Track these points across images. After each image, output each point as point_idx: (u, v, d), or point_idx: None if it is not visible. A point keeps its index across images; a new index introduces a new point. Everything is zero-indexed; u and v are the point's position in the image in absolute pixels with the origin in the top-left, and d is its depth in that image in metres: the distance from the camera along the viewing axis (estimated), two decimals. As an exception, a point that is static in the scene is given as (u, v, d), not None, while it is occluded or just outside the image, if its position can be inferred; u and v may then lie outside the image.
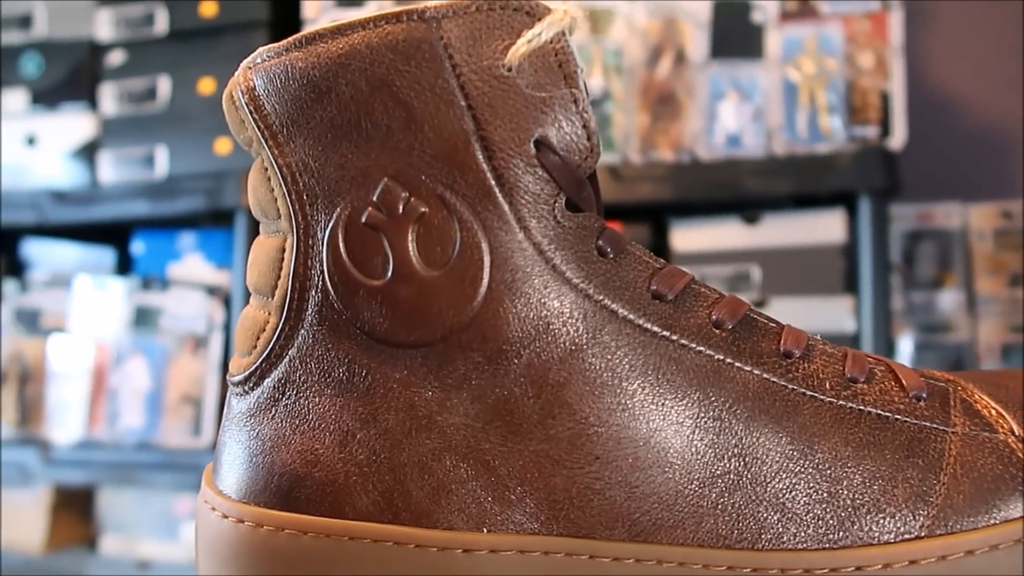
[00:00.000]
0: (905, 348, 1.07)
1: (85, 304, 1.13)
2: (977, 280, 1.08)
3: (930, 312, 1.09)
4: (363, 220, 0.23)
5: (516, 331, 0.23)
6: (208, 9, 1.08)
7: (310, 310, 0.24)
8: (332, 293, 0.23)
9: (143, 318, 1.10)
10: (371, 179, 0.23)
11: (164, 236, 1.16)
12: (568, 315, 0.23)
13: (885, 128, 0.97)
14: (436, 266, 0.23)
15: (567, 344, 0.23)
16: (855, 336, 0.96)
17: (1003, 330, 1.07)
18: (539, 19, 0.22)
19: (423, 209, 0.23)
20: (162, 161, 1.08)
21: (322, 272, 0.24)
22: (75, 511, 1.15)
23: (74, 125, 1.11)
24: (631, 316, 0.23)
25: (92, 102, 1.11)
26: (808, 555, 0.22)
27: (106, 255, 1.25)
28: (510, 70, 0.22)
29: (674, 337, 0.23)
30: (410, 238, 0.23)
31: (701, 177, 0.99)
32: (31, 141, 1.13)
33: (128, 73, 1.10)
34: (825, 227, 0.99)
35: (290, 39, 0.23)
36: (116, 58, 1.11)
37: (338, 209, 0.23)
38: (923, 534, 0.22)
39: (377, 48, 0.22)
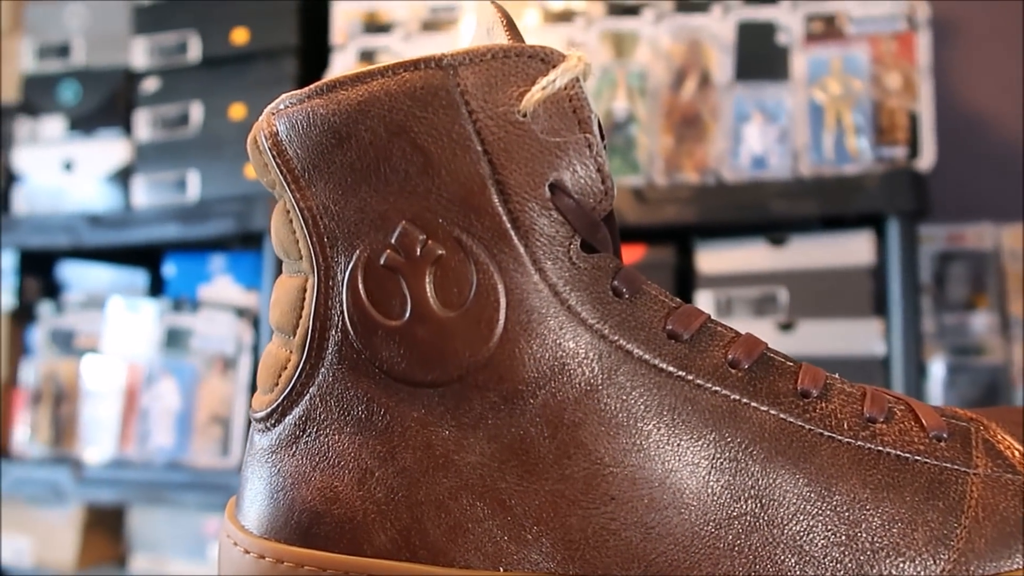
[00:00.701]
0: (937, 371, 1.05)
1: (118, 325, 1.15)
2: (1010, 302, 1.06)
3: (963, 335, 1.07)
4: (382, 262, 0.24)
5: (532, 371, 0.23)
6: (239, 36, 1.11)
7: (330, 349, 0.24)
8: (352, 333, 0.24)
9: (174, 339, 1.12)
10: (390, 222, 0.23)
11: (195, 258, 1.18)
12: (583, 356, 0.23)
13: (913, 149, 0.97)
14: (453, 307, 0.23)
15: (582, 384, 0.23)
16: (885, 359, 0.95)
17: (1038, 353, 1.04)
18: (553, 66, 0.23)
19: (440, 251, 0.23)
20: (194, 185, 1.10)
21: (342, 312, 0.24)
22: (106, 529, 1.16)
23: (109, 150, 1.14)
24: (647, 356, 0.23)
25: (127, 128, 1.14)
26: (825, 599, 0.22)
27: (139, 277, 1.27)
28: (525, 116, 0.23)
29: (690, 377, 0.23)
30: (428, 279, 0.23)
31: (727, 199, 0.99)
32: (68, 166, 1.15)
33: (162, 100, 1.13)
34: (853, 249, 0.98)
35: (312, 86, 0.24)
36: (150, 85, 1.14)
37: (357, 251, 0.24)
38: (943, 579, 0.22)
39: (396, 95, 0.23)
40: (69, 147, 1.16)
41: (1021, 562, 0.22)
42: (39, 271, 1.23)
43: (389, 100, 0.23)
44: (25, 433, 1.15)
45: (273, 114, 0.25)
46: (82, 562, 1.14)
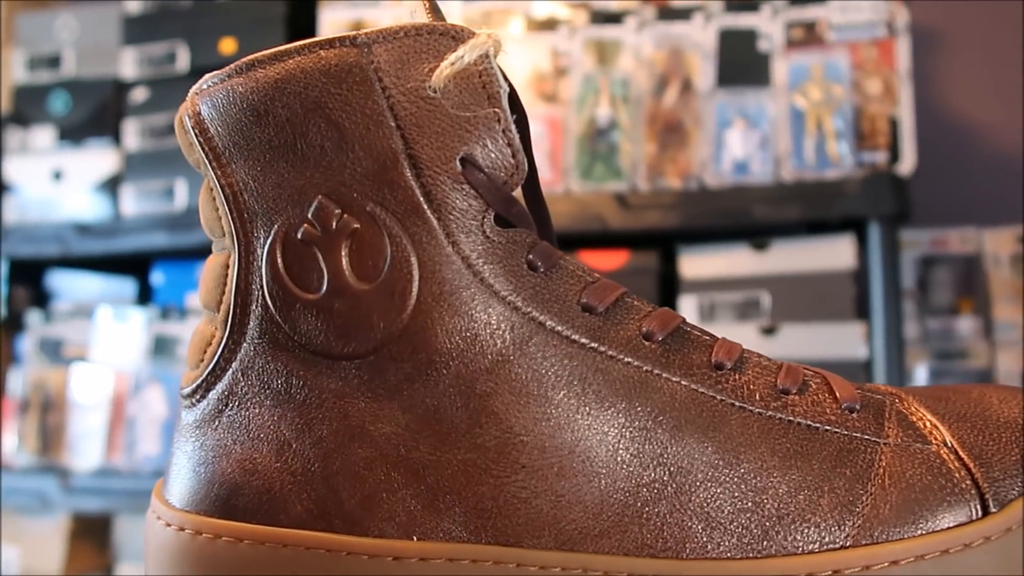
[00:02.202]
0: (921, 376, 1.05)
1: (106, 334, 1.15)
2: (995, 306, 1.06)
3: (947, 339, 1.07)
4: (299, 236, 0.24)
5: (445, 342, 0.23)
6: (227, 46, 1.12)
7: (252, 324, 0.25)
8: (271, 307, 0.24)
9: (161, 347, 1.13)
10: (306, 197, 0.24)
11: (183, 267, 1.18)
12: (496, 327, 0.23)
13: (894, 154, 0.97)
14: (368, 280, 0.24)
15: (494, 355, 0.23)
16: (867, 363, 0.95)
17: (1022, 357, 1.04)
18: (463, 42, 0.23)
19: (355, 225, 0.24)
20: (182, 194, 1.10)
21: (262, 287, 0.24)
22: (93, 538, 1.16)
23: (98, 160, 1.15)
24: (559, 328, 0.24)
25: (116, 138, 1.15)
26: (732, 564, 0.22)
27: (127, 286, 1.28)
28: (436, 92, 0.23)
29: (602, 349, 0.24)
30: (343, 253, 0.24)
31: (709, 204, 1.00)
32: (58, 176, 1.16)
33: (150, 109, 1.14)
34: (835, 253, 0.99)
35: (232, 65, 0.24)
36: (139, 95, 1.15)
37: (276, 226, 0.24)
38: (848, 544, 0.22)
39: (311, 72, 0.23)
40: (59, 157, 1.17)
41: (925, 528, 0.22)
42: (28, 280, 1.24)
43: (305, 78, 0.24)
44: (13, 442, 1.15)
45: (196, 94, 0.25)
46: (69, 571, 1.14)
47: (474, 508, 0.23)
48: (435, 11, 0.26)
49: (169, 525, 0.25)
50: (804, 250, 1.01)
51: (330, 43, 0.24)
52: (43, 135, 1.18)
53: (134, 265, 1.25)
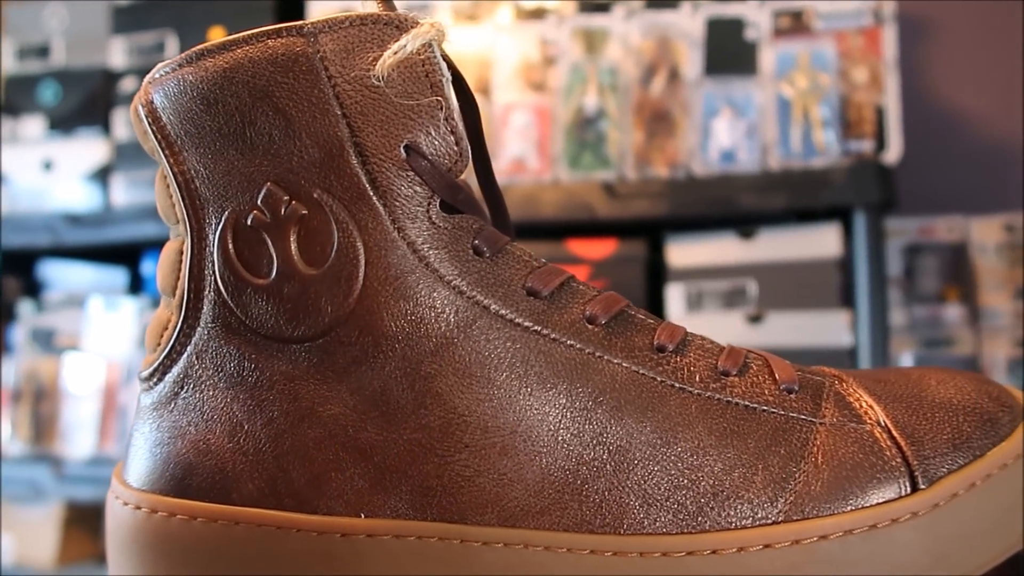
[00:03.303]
0: (907, 363, 1.06)
1: (98, 323, 1.16)
2: (981, 294, 1.07)
3: (933, 327, 1.08)
4: (249, 222, 0.25)
5: (390, 326, 0.24)
6: (216, 36, 1.12)
7: (206, 308, 0.25)
8: (223, 292, 0.25)
9: (153, 336, 1.13)
10: (255, 184, 0.24)
11: (174, 257, 1.19)
12: (440, 310, 0.24)
13: (880, 142, 0.97)
14: (316, 265, 0.24)
15: (438, 338, 0.24)
16: (852, 350, 0.96)
17: (1008, 344, 1.05)
18: (406, 32, 0.24)
19: (303, 211, 0.24)
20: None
21: (214, 272, 0.25)
22: (86, 527, 1.17)
23: (89, 150, 1.15)
24: (503, 311, 0.24)
25: (106, 127, 1.15)
26: (667, 539, 0.23)
27: (119, 276, 1.28)
28: (380, 80, 0.24)
29: (545, 332, 0.24)
30: (292, 239, 0.24)
31: (696, 193, 1.00)
32: (48, 166, 1.17)
33: (140, 100, 1.14)
34: (821, 241, 0.99)
35: (183, 54, 0.25)
36: (129, 85, 1.15)
37: (226, 212, 0.25)
38: (780, 519, 0.23)
39: (259, 62, 0.24)
40: (49, 147, 1.17)
41: (855, 504, 0.23)
42: (20, 270, 1.24)
43: (253, 67, 0.24)
44: (6, 431, 1.16)
45: (150, 83, 0.26)
46: (62, 559, 1.15)
47: (420, 486, 0.24)
48: (386, 1, 0.26)
49: (126, 504, 0.26)
50: (790, 238, 1.01)
51: (278, 32, 0.24)
52: (33, 125, 1.18)
53: (125, 255, 1.26)
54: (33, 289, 1.27)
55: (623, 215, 1.01)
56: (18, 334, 1.20)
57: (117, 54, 1.16)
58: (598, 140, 1.06)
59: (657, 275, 1.04)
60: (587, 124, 1.07)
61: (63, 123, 1.17)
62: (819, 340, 0.98)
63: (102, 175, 1.15)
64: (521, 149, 1.08)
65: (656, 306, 1.03)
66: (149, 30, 1.15)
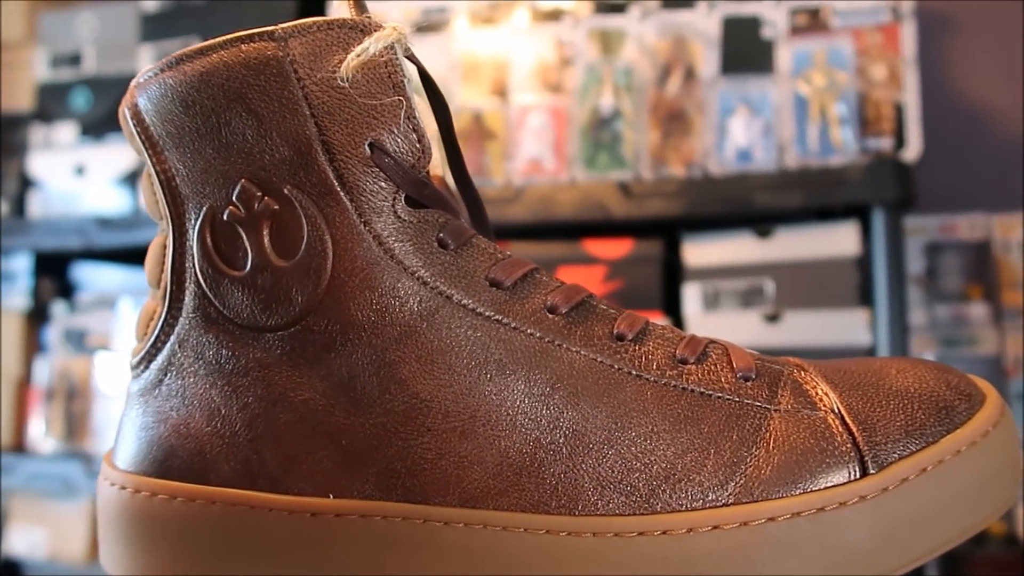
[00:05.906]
0: (928, 362, 1.04)
1: (128, 324, 1.19)
2: (1003, 292, 1.05)
3: (955, 326, 1.07)
4: (225, 218, 0.26)
5: (357, 315, 0.25)
6: (240, 43, 1.15)
7: (187, 299, 0.27)
8: (203, 284, 0.26)
9: (180, 336, 1.16)
10: (231, 181, 0.26)
11: (200, 258, 1.22)
12: (404, 300, 0.25)
13: (900, 140, 0.97)
14: (287, 257, 0.26)
15: (402, 326, 0.25)
16: (871, 349, 0.95)
17: (1031, 343, 1.03)
18: (369, 35, 0.25)
19: (275, 207, 0.25)
20: (197, 187, 1.14)
21: (194, 265, 0.27)
22: (116, 520, 1.20)
23: (119, 155, 1.19)
24: (465, 301, 0.25)
25: (135, 134, 1.19)
26: (619, 520, 0.24)
27: (149, 277, 1.31)
28: (345, 81, 0.25)
29: (506, 321, 0.25)
30: (265, 233, 0.26)
31: (713, 192, 1.00)
32: (80, 171, 1.20)
33: (167, 106, 1.17)
34: (839, 240, 0.98)
35: (164, 59, 0.26)
36: (157, 92, 1.18)
37: (204, 208, 0.26)
38: (731, 502, 0.24)
39: (233, 65, 0.25)
40: (81, 152, 1.21)
41: (804, 487, 0.24)
42: (53, 272, 1.28)
43: (227, 70, 0.25)
44: (40, 429, 1.20)
45: (135, 87, 0.27)
46: (94, 554, 1.19)
47: (385, 469, 0.25)
48: (359, 5, 0.27)
49: (113, 485, 0.27)
50: (808, 237, 1.00)
51: (251, 37, 0.25)
52: (66, 131, 1.22)
53: (155, 257, 1.29)
54: (66, 291, 1.31)
55: (639, 215, 1.01)
56: (52, 334, 1.24)
57: (145, 61, 1.19)
58: (614, 140, 1.06)
59: (674, 275, 1.04)
60: (603, 124, 1.07)
61: (94, 129, 1.21)
62: (837, 339, 0.97)
63: (132, 179, 1.18)
64: (537, 150, 1.09)
65: (673, 306, 1.03)
66: (176, 37, 1.18)
